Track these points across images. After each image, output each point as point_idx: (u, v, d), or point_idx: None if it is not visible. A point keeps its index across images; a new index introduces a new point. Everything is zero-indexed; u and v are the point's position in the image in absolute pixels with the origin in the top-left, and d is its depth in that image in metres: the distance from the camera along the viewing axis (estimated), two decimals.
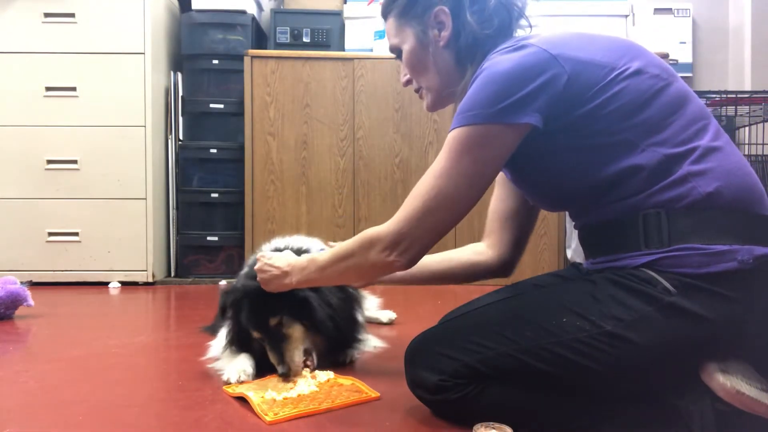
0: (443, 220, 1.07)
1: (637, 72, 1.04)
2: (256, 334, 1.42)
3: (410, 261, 1.10)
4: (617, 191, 1.04)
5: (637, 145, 1.02)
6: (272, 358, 1.39)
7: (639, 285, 1.00)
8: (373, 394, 1.30)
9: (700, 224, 0.99)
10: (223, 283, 2.96)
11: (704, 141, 1.03)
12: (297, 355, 1.39)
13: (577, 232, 1.20)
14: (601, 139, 1.04)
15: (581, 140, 1.05)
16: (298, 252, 1.49)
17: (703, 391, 1.00)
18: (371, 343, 1.73)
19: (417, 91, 1.28)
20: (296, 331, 1.41)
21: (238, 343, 1.48)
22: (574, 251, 2.61)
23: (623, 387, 1.04)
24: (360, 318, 1.66)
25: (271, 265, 1.34)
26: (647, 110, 1.03)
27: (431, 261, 1.43)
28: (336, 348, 1.53)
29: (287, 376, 1.36)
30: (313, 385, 1.33)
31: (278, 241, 1.64)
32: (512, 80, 1.01)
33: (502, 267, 1.40)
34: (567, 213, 1.31)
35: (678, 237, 0.99)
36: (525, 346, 1.04)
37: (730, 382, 0.96)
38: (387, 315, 2.08)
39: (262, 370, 1.43)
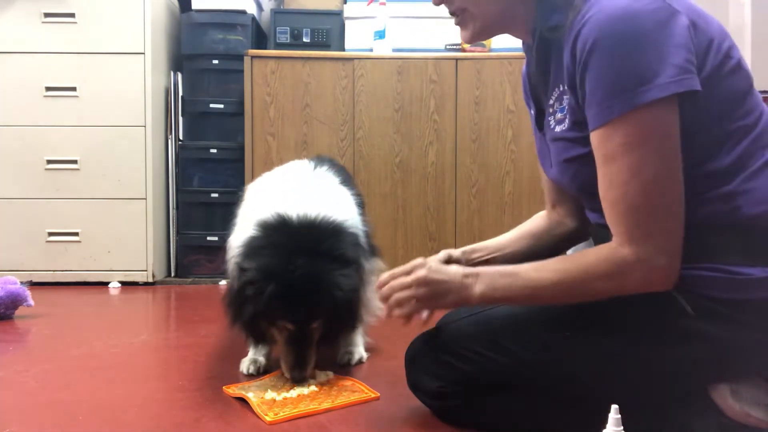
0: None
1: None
2: (288, 326, 1.31)
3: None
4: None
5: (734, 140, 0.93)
6: (289, 358, 1.33)
7: (654, 301, 0.94)
8: (373, 394, 1.30)
9: (736, 244, 0.91)
10: (223, 283, 2.96)
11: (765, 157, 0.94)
12: (312, 364, 1.37)
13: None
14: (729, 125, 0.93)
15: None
16: (312, 226, 1.34)
17: (708, 405, 0.98)
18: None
19: (454, 14, 1.06)
20: (315, 337, 1.35)
21: (255, 328, 1.35)
22: (573, 251, 2.61)
23: (627, 401, 1.01)
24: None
25: (439, 275, 1.04)
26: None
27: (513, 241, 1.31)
28: None
29: (301, 381, 1.33)
30: (313, 385, 1.33)
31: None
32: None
33: (582, 234, 1.29)
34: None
35: (710, 253, 0.92)
36: (527, 360, 1.02)
37: (740, 405, 0.94)
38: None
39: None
